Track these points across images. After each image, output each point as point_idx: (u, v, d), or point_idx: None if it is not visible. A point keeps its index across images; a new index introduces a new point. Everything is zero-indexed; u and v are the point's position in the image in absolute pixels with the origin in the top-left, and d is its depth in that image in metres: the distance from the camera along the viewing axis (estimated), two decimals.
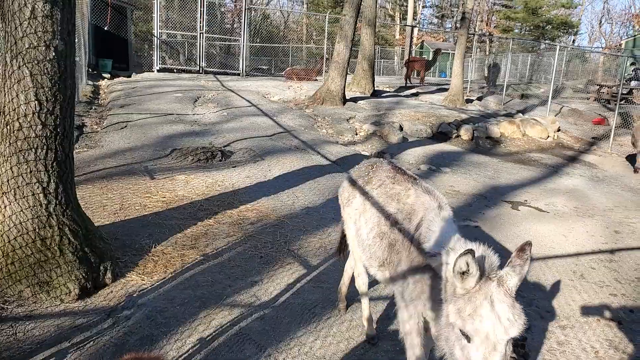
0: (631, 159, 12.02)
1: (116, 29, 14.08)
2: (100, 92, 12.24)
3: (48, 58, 3.43)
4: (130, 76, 14.12)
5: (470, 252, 1.90)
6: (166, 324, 3.49)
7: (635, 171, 10.95)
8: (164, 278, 4.11)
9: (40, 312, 3.46)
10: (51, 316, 3.44)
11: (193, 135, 8.61)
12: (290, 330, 3.58)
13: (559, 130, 14.30)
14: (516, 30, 45.71)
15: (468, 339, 1.93)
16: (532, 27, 44.67)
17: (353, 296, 4.00)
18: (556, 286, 4.81)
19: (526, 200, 7.80)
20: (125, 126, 8.73)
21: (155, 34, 15.30)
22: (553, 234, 6.38)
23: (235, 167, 7.06)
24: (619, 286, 4.93)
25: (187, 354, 3.22)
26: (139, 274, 4.13)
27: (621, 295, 4.75)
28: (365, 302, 3.58)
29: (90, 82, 12.64)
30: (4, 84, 3.50)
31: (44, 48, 3.40)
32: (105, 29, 13.93)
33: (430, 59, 23.69)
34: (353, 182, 3.29)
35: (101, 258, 3.98)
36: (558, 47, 17.96)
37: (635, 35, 26.19)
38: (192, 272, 4.23)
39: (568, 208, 7.59)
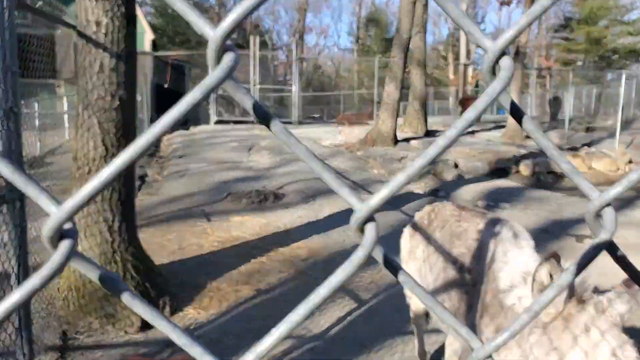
0: None
1: (175, 86, 15.13)
2: (161, 145, 13.04)
3: (113, 107, 3.79)
4: (188, 129, 14.99)
5: (555, 256, 1.46)
6: (220, 354, 3.57)
7: None
8: (219, 312, 4.23)
9: (107, 342, 3.69)
10: (117, 346, 3.66)
11: (247, 180, 8.94)
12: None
13: (630, 162, 13.57)
14: (579, 63, 44.34)
15: None
16: (596, 59, 43.20)
17: (402, 327, 3.94)
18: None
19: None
20: (184, 175, 9.22)
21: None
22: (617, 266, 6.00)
23: (287, 208, 7.24)
24: None
25: None
26: (196, 308, 4.28)
27: None
28: None
29: None
30: (77, 132, 3.89)
31: (109, 98, 3.77)
32: (165, 86, 15.00)
33: None
34: (415, 228, 2.84)
35: (160, 293, 4.18)
36: (624, 75, 17.27)
37: None
38: (245, 306, 4.33)
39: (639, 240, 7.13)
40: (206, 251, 5.50)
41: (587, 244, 4.71)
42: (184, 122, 15.75)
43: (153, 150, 12.03)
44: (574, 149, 14.81)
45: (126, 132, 3.95)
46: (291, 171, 9.62)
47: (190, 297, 4.46)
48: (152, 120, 13.99)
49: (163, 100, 14.97)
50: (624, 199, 10.36)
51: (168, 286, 4.41)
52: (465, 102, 21.31)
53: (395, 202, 8.16)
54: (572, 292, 1.47)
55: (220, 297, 4.49)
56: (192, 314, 4.19)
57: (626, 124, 19.49)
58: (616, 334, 1.37)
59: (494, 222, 2.28)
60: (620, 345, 1.33)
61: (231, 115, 19.66)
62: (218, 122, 16.85)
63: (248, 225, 6.43)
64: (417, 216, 3.00)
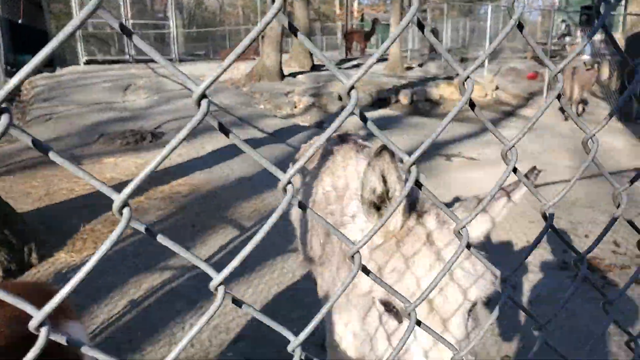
0: (562, 109, 12.66)
1: (33, 21, 13.40)
2: (22, 89, 11.70)
3: None
4: (54, 71, 13.53)
5: (387, 150, 1.09)
6: (97, 292, 3.49)
7: (565, 119, 11.55)
8: (94, 254, 4.07)
9: None
10: None
11: (123, 120, 8.42)
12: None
13: (497, 88, 14.80)
14: None
15: (397, 315, 1.19)
16: None
17: (284, 247, 4.12)
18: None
19: (460, 152, 8.13)
20: (50, 118, 8.43)
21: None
22: (482, 178, 6.71)
23: (166, 147, 6.99)
24: (535, 214, 5.29)
25: (117, 315, 3.25)
26: (68, 252, 4.09)
27: (537, 221, 5.09)
28: None
29: (9, 79, 12.01)
30: None
31: None
32: (20, 22, 13.23)
33: (368, 30, 23.84)
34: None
35: (24, 240, 3.90)
36: (490, 8, 18.50)
37: None
38: (122, 244, 4.22)
39: (497, 156, 7.96)
40: (77, 195, 5.18)
41: (456, 162, 5.16)
42: (49, 63, 14.16)
43: (11, 95, 10.75)
44: (449, 78, 15.80)
45: None
46: (171, 109, 9.21)
47: (61, 242, 4.23)
48: (8, 62, 12.38)
49: (19, 38, 13.20)
50: (490, 121, 11.39)
51: (35, 233, 4.12)
52: (349, 36, 21.47)
53: (281, 135, 8.23)
54: (414, 205, 1.24)
55: (95, 239, 4.32)
56: (64, 258, 4.00)
57: (494, 54, 21.08)
58: (454, 249, 1.17)
59: (338, 141, 2.20)
60: (461, 261, 1.16)
61: (106, 55, 18.03)
62: (88, 62, 15.38)
63: (123, 166, 6.12)
64: (302, 148, 3.05)
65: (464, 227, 0.81)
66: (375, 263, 1.19)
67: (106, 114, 8.81)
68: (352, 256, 0.69)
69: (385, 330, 1.21)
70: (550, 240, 4.59)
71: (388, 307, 1.19)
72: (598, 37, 15.05)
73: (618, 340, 3.12)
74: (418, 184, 0.74)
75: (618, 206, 0.99)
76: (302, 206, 0.66)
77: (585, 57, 18.43)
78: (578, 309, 3.46)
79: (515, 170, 0.84)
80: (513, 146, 0.80)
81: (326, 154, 2.18)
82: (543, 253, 4.40)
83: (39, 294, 1.59)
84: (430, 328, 0.86)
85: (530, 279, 3.98)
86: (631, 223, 1.07)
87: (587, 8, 22.62)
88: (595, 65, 11.90)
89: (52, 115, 8.56)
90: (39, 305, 0.47)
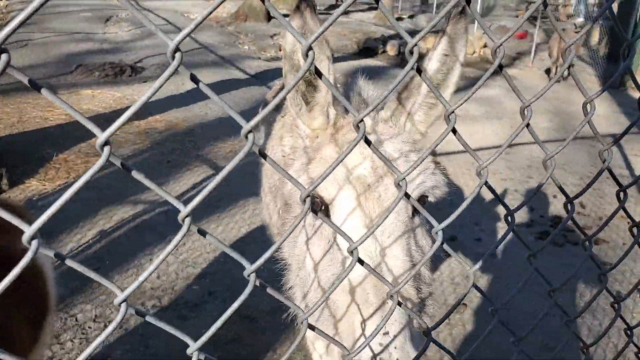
0: (548, 71, 12.66)
1: None
2: None
3: None
4: None
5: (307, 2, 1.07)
6: (67, 221, 3.55)
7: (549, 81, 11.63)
8: (66, 183, 4.10)
9: None
10: None
11: (102, 53, 8.19)
12: (193, 220, 3.74)
13: (485, 46, 14.67)
14: None
15: (324, 206, 1.18)
16: None
17: (256, 189, 4.19)
18: (455, 175, 5.23)
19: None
20: (26, 45, 8.15)
21: None
22: (461, 133, 6.80)
23: (145, 81, 6.86)
24: (510, 172, 5.42)
25: (86, 244, 3.33)
26: (40, 180, 4.10)
27: (509, 179, 5.23)
28: None
29: None
30: None
31: None
32: None
33: None
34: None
35: None
36: None
37: None
38: (96, 176, 4.23)
39: (479, 113, 8.04)
40: (52, 124, 5.13)
41: (436, 122, 5.03)
42: None
43: None
44: (438, 32, 15.59)
45: None
46: (153, 44, 8.96)
47: (33, 170, 4.23)
48: None
49: None
50: (474, 78, 11.38)
51: (5, 159, 4.11)
52: None
53: (263, 77, 8.12)
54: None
55: (68, 169, 4.33)
56: (35, 186, 4.01)
57: (487, 10, 20.75)
58: (394, 131, 1.21)
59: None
60: (407, 152, 1.19)
61: None
62: None
63: (100, 99, 6.03)
64: (273, 89, 2.97)
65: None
66: (306, 156, 1.20)
67: (85, 45, 8.54)
68: (305, 200, 0.69)
69: (305, 231, 1.22)
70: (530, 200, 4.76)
71: (315, 198, 1.17)
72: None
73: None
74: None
75: (604, 161, 1.05)
76: (262, 154, 0.69)
77: (580, 20, 18.30)
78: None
79: (454, 131, 0.88)
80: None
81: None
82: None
83: (14, 212, 1.65)
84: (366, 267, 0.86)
85: (498, 234, 4.15)
86: (610, 171, 1.10)
87: None
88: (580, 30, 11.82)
89: (28, 41, 8.27)
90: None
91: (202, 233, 0.64)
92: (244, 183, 4.19)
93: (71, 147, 4.69)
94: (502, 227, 4.23)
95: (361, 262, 0.81)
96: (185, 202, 0.60)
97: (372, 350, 0.93)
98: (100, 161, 0.53)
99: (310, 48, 0.63)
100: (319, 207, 1.18)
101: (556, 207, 4.67)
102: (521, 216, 4.47)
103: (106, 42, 9.02)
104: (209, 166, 4.74)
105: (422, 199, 1.23)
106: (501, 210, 4.50)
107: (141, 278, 0.59)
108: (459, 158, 5.76)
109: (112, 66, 7.00)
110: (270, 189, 1.96)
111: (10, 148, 4.44)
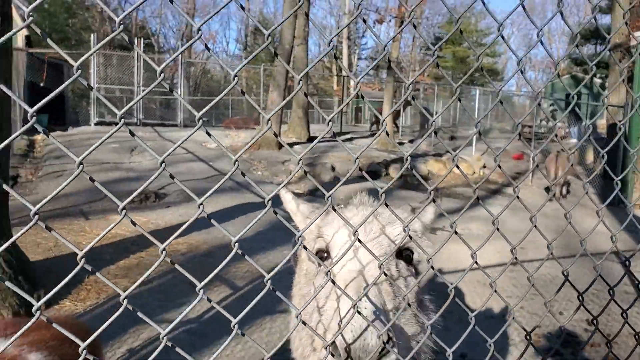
0: (547, 189, 13.29)
1: (52, 85, 14.31)
2: (36, 146, 12.32)
3: None
4: (66, 130, 14.26)
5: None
6: (105, 339, 3.80)
7: (550, 200, 12.17)
8: (97, 303, 4.42)
9: None
10: None
11: (128, 180, 8.93)
12: (215, 339, 3.99)
13: (484, 167, 15.56)
14: (449, 79, 48.95)
15: (326, 255, 1.50)
16: (461, 75, 48.18)
17: (273, 307, 4.46)
18: (461, 293, 5.47)
19: (444, 226, 8.58)
20: (61, 175, 8.94)
21: (93, 87, 15.65)
22: (465, 252, 7.11)
23: (168, 207, 7.44)
24: (515, 290, 5.65)
25: None
26: (72, 301, 4.42)
27: (515, 296, 5.45)
28: None
29: (25, 137, 12.70)
30: None
31: None
32: (41, 85, 14.13)
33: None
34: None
35: (34, 287, 4.26)
36: (478, 91, 19.82)
37: (552, 81, 28.83)
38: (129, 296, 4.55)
39: (482, 231, 8.44)
40: (83, 248, 5.56)
41: (439, 234, 5.65)
42: (62, 123, 14.92)
43: (26, 150, 11.34)
44: (438, 155, 16.59)
45: None
46: (174, 172, 9.74)
47: (66, 291, 4.57)
48: (25, 120, 13.09)
49: (38, 99, 13.86)
50: (470, 197, 11.97)
51: (43, 281, 4.48)
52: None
53: (276, 200, 8.69)
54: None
55: (98, 290, 4.66)
56: (68, 306, 4.33)
57: (483, 134, 22.11)
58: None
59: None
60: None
61: (114, 117, 18.91)
62: (99, 123, 16.19)
63: (126, 224, 6.52)
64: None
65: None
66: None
67: (113, 174, 9.34)
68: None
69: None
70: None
71: (321, 253, 1.49)
72: (585, 122, 16.01)
73: None
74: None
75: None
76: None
77: (573, 140, 19.45)
78: None
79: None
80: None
81: None
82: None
83: (72, 326, 2.01)
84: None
85: (508, 352, 4.31)
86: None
87: (570, 96, 23.99)
88: (575, 152, 12.65)
89: (62, 172, 9.08)
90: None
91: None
92: (260, 301, 4.47)
93: (101, 269, 5.06)
94: (511, 345, 4.38)
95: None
96: (208, 322, 0.96)
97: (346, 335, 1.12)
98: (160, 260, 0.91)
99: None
100: (324, 258, 1.50)
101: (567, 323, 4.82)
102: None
103: (131, 171, 9.84)
104: (228, 286, 5.06)
105: (406, 251, 1.52)
106: (511, 329, 4.66)
107: None
108: (466, 276, 6.03)
109: (138, 194, 7.63)
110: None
111: (46, 271, 4.82)
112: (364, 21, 1.23)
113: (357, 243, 1.24)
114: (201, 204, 0.91)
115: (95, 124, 15.96)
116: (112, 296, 4.55)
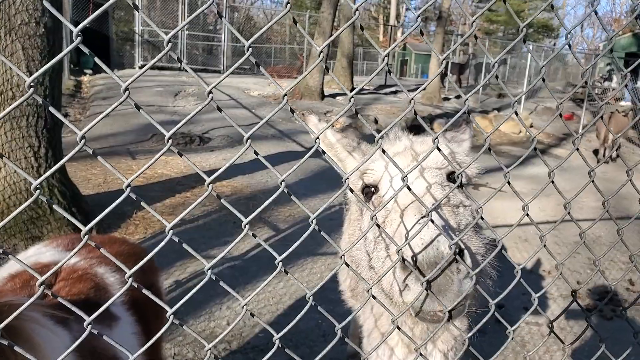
0: (596, 152, 12.70)
1: (98, 26, 14.43)
2: (83, 86, 12.58)
3: (38, 33, 3.86)
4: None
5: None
6: None
7: (598, 162, 11.65)
8: (144, 237, 4.54)
9: None
10: None
11: (173, 123, 8.99)
12: (257, 275, 4.06)
13: (531, 126, 14.96)
14: (500, 34, 46.48)
15: (374, 189, 1.46)
16: (514, 30, 45.57)
17: (314, 249, 4.49)
18: (503, 247, 5.35)
19: (488, 183, 8.36)
20: (108, 115, 9.11)
21: (137, 31, 15.73)
22: (508, 208, 6.92)
23: (212, 150, 7.50)
24: (557, 247, 5.49)
25: (164, 292, 3.67)
26: (122, 234, 4.55)
27: (557, 254, 5.30)
28: None
29: (72, 77, 12.96)
30: None
31: (34, 24, 3.82)
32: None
33: (463, 63, 24.44)
34: None
35: (87, 218, 4.39)
36: (531, 46, 18.76)
37: (611, 38, 27.05)
38: (175, 232, 4.67)
39: (526, 189, 8.17)
40: (132, 185, 5.70)
41: (482, 191, 5.47)
42: (108, 65, 15.13)
43: (73, 91, 11.60)
44: (484, 112, 16.03)
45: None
46: (218, 117, 9.78)
47: (116, 225, 4.72)
48: (72, 61, 13.32)
49: (84, 39, 14.05)
50: (521, 157, 11.59)
51: (94, 213, 4.62)
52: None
53: (316, 151, 8.64)
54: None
55: (145, 225, 4.79)
56: None
57: (533, 93, 21.21)
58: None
59: None
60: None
61: (158, 61, 19.00)
62: (143, 66, 16.34)
63: (173, 165, 6.65)
64: None
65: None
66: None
67: (158, 116, 9.45)
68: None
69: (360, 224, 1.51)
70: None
71: (364, 190, 1.47)
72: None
73: None
74: None
75: None
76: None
77: (625, 103, 18.37)
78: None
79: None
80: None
81: None
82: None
83: (130, 246, 2.03)
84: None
85: (545, 305, 4.22)
86: None
87: (630, 55, 22.51)
88: (630, 112, 11.96)
89: (110, 112, 9.24)
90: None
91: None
92: (302, 242, 4.50)
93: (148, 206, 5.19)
94: (549, 299, 4.29)
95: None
96: (252, 260, 0.91)
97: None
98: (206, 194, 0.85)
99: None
100: (372, 193, 1.47)
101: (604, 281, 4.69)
102: (567, 288, 4.52)
103: (176, 114, 9.93)
104: (270, 228, 5.11)
105: (453, 175, 1.45)
106: (547, 284, 4.56)
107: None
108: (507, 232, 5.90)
109: (183, 136, 7.71)
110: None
111: (97, 205, 4.97)
112: None
113: (414, 172, 1.28)
114: (249, 138, 0.85)
115: (140, 67, 16.12)
116: (159, 231, 4.67)
